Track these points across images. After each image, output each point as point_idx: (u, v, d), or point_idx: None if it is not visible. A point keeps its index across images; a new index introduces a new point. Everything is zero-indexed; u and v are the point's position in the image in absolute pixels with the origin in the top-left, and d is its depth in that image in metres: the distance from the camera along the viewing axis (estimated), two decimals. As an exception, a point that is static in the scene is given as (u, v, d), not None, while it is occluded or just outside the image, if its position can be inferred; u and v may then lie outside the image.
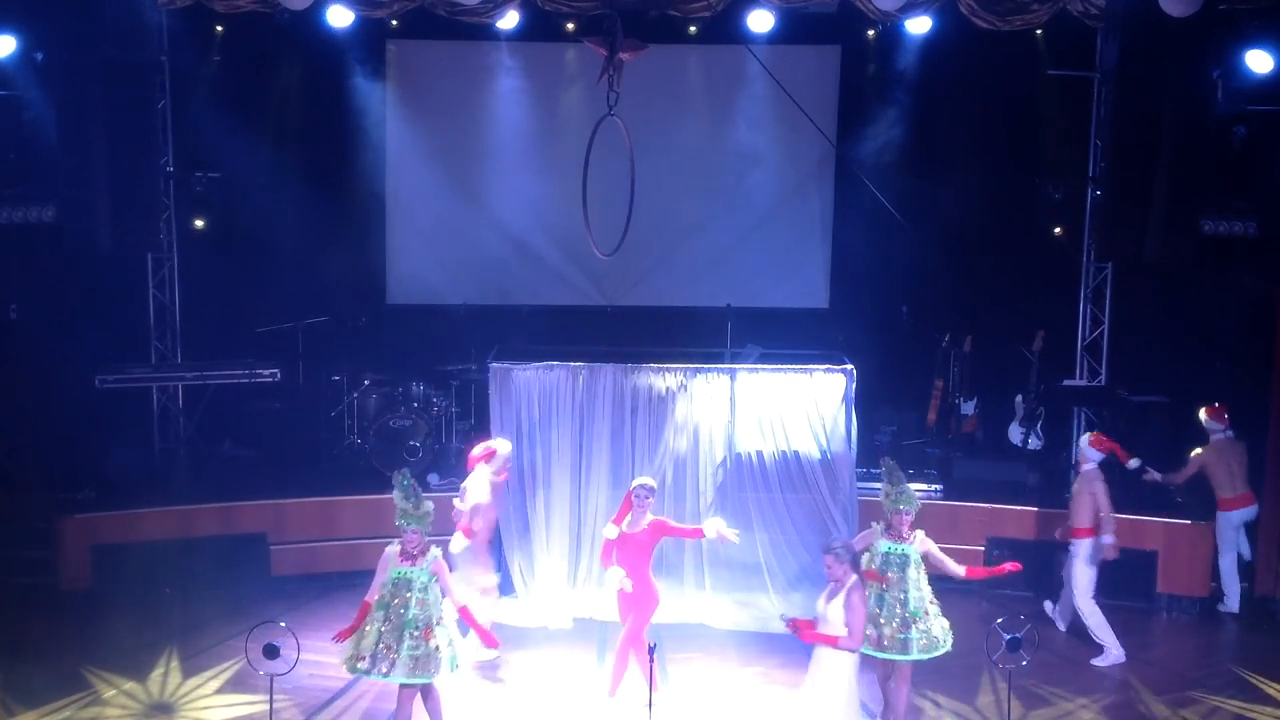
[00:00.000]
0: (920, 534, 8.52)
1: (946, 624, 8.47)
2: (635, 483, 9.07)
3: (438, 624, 8.05)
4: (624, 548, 8.93)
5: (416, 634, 7.95)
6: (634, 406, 10.88)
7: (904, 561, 8.40)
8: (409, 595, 7.97)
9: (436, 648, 8.00)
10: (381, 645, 7.92)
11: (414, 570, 8.03)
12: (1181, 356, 12.74)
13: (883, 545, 8.46)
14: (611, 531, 8.99)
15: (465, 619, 8.28)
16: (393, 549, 8.12)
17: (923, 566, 8.46)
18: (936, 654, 8.40)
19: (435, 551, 8.15)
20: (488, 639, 8.42)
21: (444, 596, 8.13)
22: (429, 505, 8.15)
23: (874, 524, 8.66)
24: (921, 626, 8.33)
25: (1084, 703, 9.39)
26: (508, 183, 14.22)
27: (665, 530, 9.05)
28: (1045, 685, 9.59)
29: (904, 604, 8.33)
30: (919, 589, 8.41)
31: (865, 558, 8.43)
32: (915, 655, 8.33)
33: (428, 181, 14.17)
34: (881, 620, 8.32)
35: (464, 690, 9.09)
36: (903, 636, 8.29)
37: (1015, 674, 8.45)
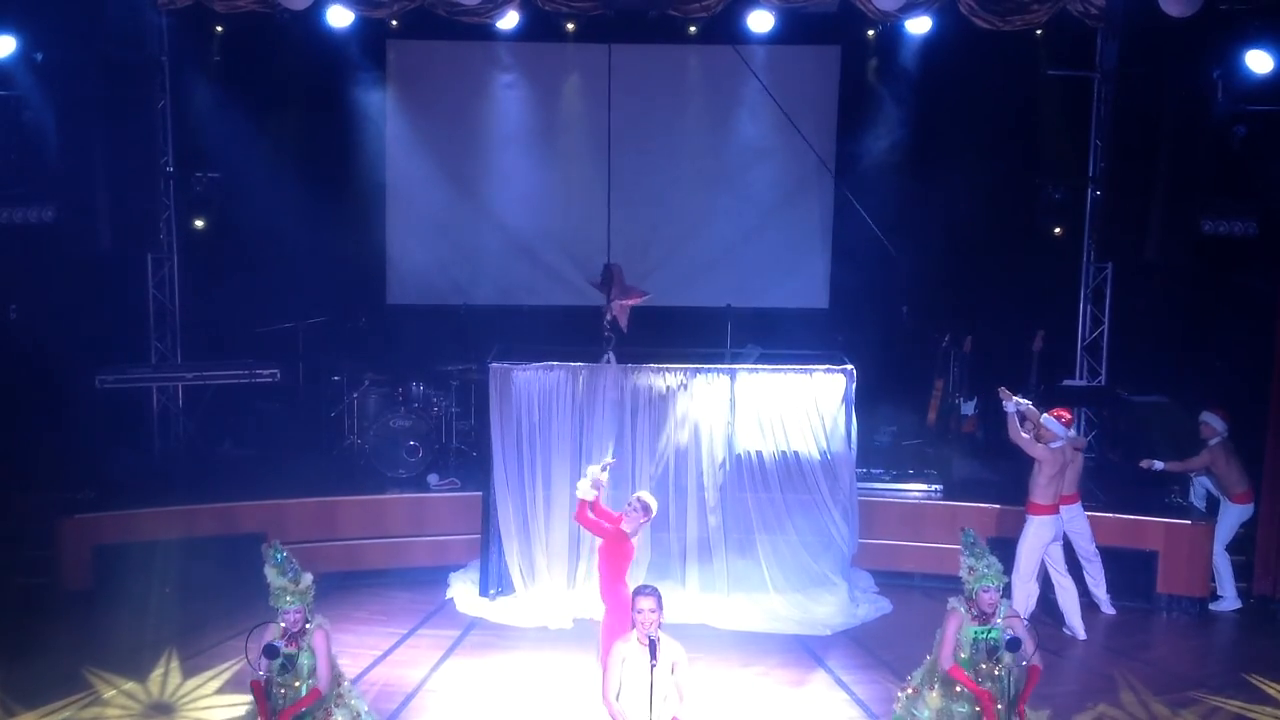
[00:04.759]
0: (1006, 606, 7.45)
1: None
2: (636, 495, 8.59)
3: (336, 705, 7.39)
4: (616, 549, 8.40)
5: (322, 717, 7.29)
6: (634, 406, 10.86)
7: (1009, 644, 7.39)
8: (298, 684, 7.20)
9: None
10: None
11: (299, 654, 7.21)
12: (1181, 356, 12.73)
13: (976, 630, 7.36)
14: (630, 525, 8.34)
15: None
16: (275, 628, 7.25)
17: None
18: None
19: (317, 621, 7.30)
20: None
21: (321, 673, 7.23)
22: (309, 578, 7.29)
23: (951, 604, 7.55)
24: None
25: (1084, 703, 9.37)
26: (508, 184, 14.24)
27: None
28: (1045, 685, 9.52)
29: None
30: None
31: (959, 653, 7.43)
32: None
33: (428, 182, 14.19)
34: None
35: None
36: None
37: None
